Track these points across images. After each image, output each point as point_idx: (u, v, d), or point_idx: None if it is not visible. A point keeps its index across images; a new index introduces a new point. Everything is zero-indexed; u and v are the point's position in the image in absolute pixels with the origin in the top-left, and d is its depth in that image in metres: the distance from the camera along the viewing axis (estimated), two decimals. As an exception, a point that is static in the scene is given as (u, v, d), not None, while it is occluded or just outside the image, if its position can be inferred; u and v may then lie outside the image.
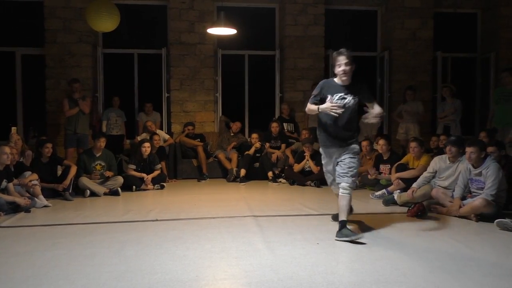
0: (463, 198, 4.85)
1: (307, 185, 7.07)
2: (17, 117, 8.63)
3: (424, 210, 4.73)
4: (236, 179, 7.57)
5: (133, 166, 6.85)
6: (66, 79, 8.05)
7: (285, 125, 8.59)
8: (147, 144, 6.95)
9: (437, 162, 5.35)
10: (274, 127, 8.16)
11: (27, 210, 5.07)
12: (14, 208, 4.99)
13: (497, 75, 8.56)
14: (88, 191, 6.12)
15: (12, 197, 5.06)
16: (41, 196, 5.45)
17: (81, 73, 8.39)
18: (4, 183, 5.11)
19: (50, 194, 5.88)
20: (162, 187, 6.92)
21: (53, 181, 6.02)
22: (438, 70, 9.19)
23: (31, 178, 5.51)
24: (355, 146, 4.03)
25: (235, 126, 8.43)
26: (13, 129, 6.30)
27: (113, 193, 6.28)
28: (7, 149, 5.16)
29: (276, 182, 7.43)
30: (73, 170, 6.08)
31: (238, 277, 2.98)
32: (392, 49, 9.12)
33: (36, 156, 6.16)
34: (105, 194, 6.22)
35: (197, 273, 3.02)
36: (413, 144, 6.03)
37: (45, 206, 5.40)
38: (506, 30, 9.08)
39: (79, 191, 6.20)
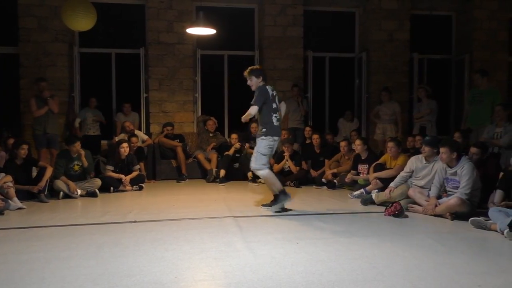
0: (439, 197, 4.95)
1: (287, 185, 7.08)
2: (-10, 118, 8.42)
3: (401, 209, 4.81)
4: (216, 179, 7.55)
5: (111, 167, 6.76)
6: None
7: (264, 125, 8.59)
8: (125, 145, 6.87)
9: (414, 162, 5.44)
10: (254, 127, 8.16)
11: (0, 212, 4.95)
12: (-13, 211, 4.88)
13: (471, 77, 8.76)
14: (62, 193, 6.02)
15: (-15, 199, 4.94)
16: (15, 198, 5.32)
17: (57, 73, 8.24)
18: (-24, 185, 4.98)
19: (25, 196, 5.75)
20: (141, 188, 6.85)
21: (28, 183, 5.89)
22: (415, 71, 9.35)
23: (5, 180, 5.37)
24: (259, 142, 5.12)
25: (210, 125, 8.35)
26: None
27: (91, 194, 6.19)
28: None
29: (256, 182, 7.44)
30: (49, 172, 5.96)
31: (218, 278, 2.98)
32: (370, 50, 9.24)
33: (11, 157, 6.01)
34: (81, 196, 6.13)
35: (176, 274, 3.00)
36: (390, 144, 6.12)
37: (20, 208, 5.28)
38: (479, 32, 9.30)
39: (54, 193, 6.09)
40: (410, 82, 9.33)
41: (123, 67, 8.96)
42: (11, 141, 6.42)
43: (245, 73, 5.25)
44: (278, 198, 5.08)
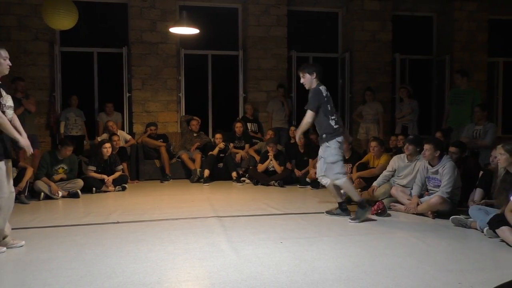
0: (421, 196, 5.02)
1: (271, 185, 7.11)
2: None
3: (384, 208, 4.86)
4: (200, 179, 7.52)
5: (93, 168, 6.68)
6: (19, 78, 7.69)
7: (248, 125, 8.61)
8: (107, 145, 6.79)
9: (396, 161, 5.51)
10: (238, 127, 8.17)
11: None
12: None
13: (452, 77, 8.90)
14: (43, 194, 5.93)
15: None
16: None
17: (38, 72, 8.11)
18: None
19: None
20: (124, 188, 6.78)
21: (7, 184, 5.78)
22: (397, 71, 9.45)
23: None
24: (323, 145, 4.76)
25: (194, 125, 8.28)
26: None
27: (73, 195, 6.11)
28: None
29: (240, 182, 7.44)
30: (29, 172, 5.86)
31: (202, 278, 2.97)
32: (353, 51, 9.31)
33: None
34: (63, 196, 6.04)
35: (160, 275, 2.98)
36: (373, 144, 6.18)
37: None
38: (459, 33, 9.45)
39: (35, 194, 5.99)
40: (393, 82, 9.44)
41: (106, 66, 8.86)
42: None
43: (299, 71, 4.88)
44: (359, 209, 4.62)
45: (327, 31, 9.83)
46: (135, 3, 8.50)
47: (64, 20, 6.56)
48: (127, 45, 8.60)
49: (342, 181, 4.67)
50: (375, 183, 5.52)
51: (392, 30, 9.36)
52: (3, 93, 3.48)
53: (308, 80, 4.81)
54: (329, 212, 4.91)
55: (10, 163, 3.66)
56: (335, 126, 4.68)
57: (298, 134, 5.10)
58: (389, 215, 4.87)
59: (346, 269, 3.08)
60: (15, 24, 8.03)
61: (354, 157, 6.62)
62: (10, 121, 3.58)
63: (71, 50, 8.69)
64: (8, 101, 3.51)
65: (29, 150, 3.79)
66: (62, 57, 8.54)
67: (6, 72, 3.59)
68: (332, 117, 4.71)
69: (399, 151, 6.33)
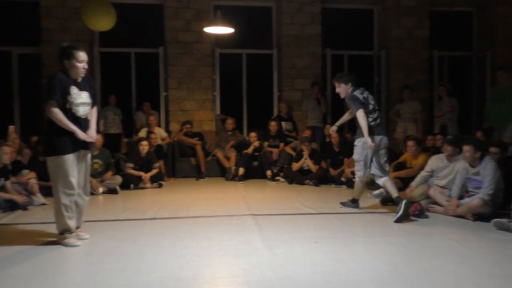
0: (460, 197, 4.87)
1: (306, 184, 7.08)
2: (14, 116, 8.60)
3: (421, 209, 4.75)
4: (235, 178, 7.57)
5: (131, 165, 6.85)
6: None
7: (283, 124, 8.59)
8: (144, 143, 6.95)
9: (435, 161, 5.36)
10: (273, 125, 8.17)
11: (24, 208, 5.09)
12: (12, 206, 5.02)
13: (493, 74, 8.58)
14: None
15: (10, 195, 5.08)
16: (39, 194, 5.46)
17: (78, 72, 8.36)
18: (1, 181, 5.11)
19: (48, 192, 5.79)
20: (160, 185, 6.91)
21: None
22: (435, 68, 9.21)
23: (29, 177, 5.52)
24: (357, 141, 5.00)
25: (229, 124, 8.36)
26: (11, 127, 6.30)
27: (111, 191, 6.28)
28: (7, 149, 5.21)
29: (275, 181, 7.43)
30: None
31: (237, 275, 2.99)
32: (389, 48, 9.13)
33: (34, 154, 6.14)
34: (103, 192, 6.23)
35: (196, 271, 3.03)
36: (410, 143, 6.05)
37: (43, 204, 5.40)
38: (502, 28, 9.08)
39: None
40: (430, 80, 9.20)
41: (143, 66, 9.05)
42: (35, 138, 6.57)
43: (334, 81, 5.12)
44: (350, 203, 5.22)
45: (362, 28, 9.68)
46: (170, 3, 8.65)
47: (103, 22, 6.75)
48: (163, 45, 8.75)
49: (356, 180, 5.10)
50: (412, 184, 5.39)
51: (430, 26, 9.12)
52: (73, 91, 3.59)
53: (343, 89, 5.01)
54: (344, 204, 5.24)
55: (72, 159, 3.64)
56: (370, 123, 4.82)
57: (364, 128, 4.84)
58: (426, 216, 4.75)
59: (382, 271, 3.03)
60: (56, 26, 8.32)
61: (391, 157, 6.48)
62: (83, 118, 3.63)
63: (109, 51, 8.93)
64: (78, 98, 3.61)
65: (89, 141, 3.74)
66: (101, 57, 8.79)
67: (82, 74, 3.69)
68: (370, 116, 4.86)
69: (437, 150, 6.16)
